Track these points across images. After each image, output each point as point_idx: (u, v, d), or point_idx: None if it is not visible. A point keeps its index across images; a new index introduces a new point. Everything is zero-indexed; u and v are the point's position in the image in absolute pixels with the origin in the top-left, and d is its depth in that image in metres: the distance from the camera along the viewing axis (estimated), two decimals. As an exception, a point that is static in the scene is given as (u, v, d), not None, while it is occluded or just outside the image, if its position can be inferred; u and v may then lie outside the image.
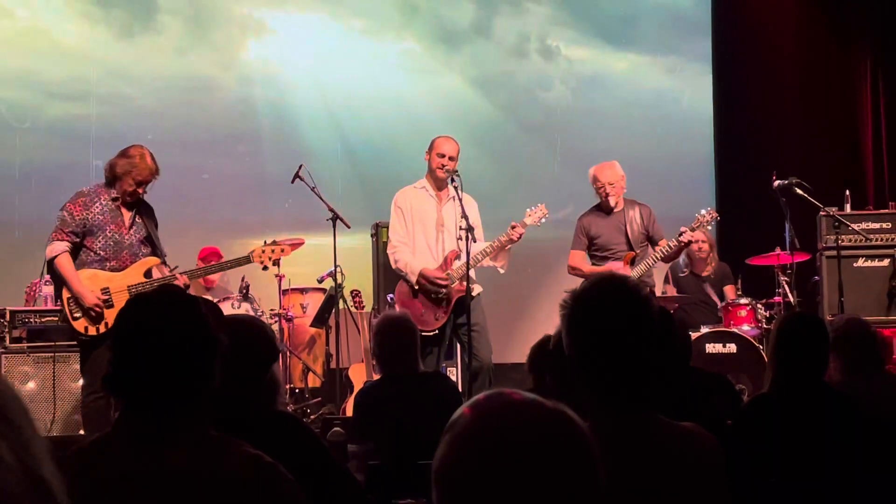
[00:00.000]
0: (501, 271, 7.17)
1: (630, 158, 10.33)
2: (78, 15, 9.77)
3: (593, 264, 7.45)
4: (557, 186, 9.80)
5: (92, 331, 5.94)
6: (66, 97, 9.65)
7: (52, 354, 6.95)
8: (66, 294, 5.97)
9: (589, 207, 7.66)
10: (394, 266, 7.08)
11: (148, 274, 6.09)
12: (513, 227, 6.88)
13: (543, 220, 7.14)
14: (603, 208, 7.52)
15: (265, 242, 6.50)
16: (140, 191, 6.08)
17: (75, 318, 5.95)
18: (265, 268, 6.57)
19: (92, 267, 6.01)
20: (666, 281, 8.87)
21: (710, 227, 7.71)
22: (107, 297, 5.95)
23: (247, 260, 6.43)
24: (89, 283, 5.96)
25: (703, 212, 7.36)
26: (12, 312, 7.18)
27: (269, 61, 10.22)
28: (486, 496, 1.31)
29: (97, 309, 5.89)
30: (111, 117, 9.64)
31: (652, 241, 7.46)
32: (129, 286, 5.96)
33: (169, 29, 10.01)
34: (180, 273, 6.18)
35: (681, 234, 7.18)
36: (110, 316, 5.86)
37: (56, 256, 5.96)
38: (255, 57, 10.23)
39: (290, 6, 10.39)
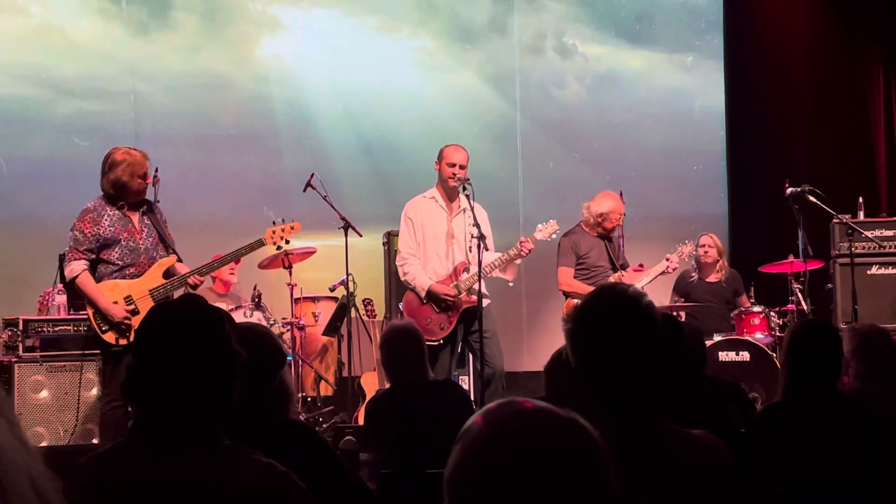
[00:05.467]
0: (510, 284, 7.16)
1: (644, 156, 10.39)
2: (92, 12, 9.77)
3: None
4: (571, 184, 9.77)
5: (123, 341, 5.88)
6: (79, 94, 9.64)
7: (80, 363, 6.92)
8: (90, 309, 5.91)
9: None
10: (402, 278, 7.04)
11: (167, 274, 6.04)
12: (522, 243, 6.85)
13: (554, 235, 7.12)
14: (595, 233, 7.66)
15: (273, 223, 6.44)
16: (148, 180, 6.05)
17: (104, 332, 5.89)
18: (279, 247, 6.53)
19: (112, 277, 5.94)
20: (674, 290, 8.83)
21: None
22: (132, 307, 5.91)
23: (260, 243, 6.34)
24: (111, 294, 5.90)
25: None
26: (25, 322, 7.16)
27: (284, 58, 10.22)
28: (498, 504, 1.30)
29: (126, 322, 5.85)
30: (125, 115, 9.64)
31: (623, 266, 7.65)
32: (150, 290, 5.94)
33: (184, 26, 10.02)
34: (194, 270, 6.13)
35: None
36: (136, 323, 5.85)
37: (77, 276, 5.89)
38: (270, 54, 10.23)
39: (305, 2, 10.39)
